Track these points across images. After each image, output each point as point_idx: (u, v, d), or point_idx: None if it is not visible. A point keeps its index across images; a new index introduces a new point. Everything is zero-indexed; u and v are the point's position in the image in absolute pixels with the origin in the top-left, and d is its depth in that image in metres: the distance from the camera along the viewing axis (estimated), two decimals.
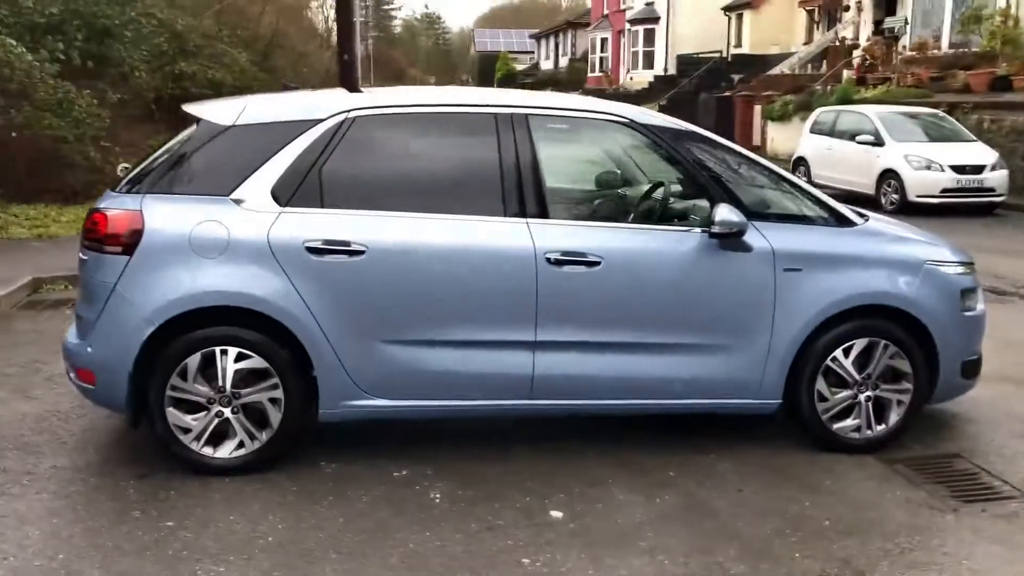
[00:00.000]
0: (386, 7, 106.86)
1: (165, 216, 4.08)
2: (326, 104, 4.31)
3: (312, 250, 4.08)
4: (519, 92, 4.72)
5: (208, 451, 4.14)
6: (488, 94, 4.60)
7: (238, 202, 4.11)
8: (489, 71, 63.45)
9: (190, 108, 4.39)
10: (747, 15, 34.19)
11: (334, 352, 4.13)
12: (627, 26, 40.57)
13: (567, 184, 4.53)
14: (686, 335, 4.37)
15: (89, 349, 4.11)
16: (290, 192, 4.14)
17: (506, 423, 4.78)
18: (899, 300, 4.50)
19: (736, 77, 30.05)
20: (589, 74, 45.34)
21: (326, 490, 4.07)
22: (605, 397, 4.39)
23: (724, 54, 34.41)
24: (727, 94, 27.15)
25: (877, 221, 4.86)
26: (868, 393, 4.56)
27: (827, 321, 4.43)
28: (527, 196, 4.26)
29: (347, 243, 4.11)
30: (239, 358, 4.09)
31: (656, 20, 38.55)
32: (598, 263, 4.24)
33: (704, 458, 4.49)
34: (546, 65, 58.02)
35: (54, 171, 11.92)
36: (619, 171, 4.69)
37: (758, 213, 4.44)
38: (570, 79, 47.15)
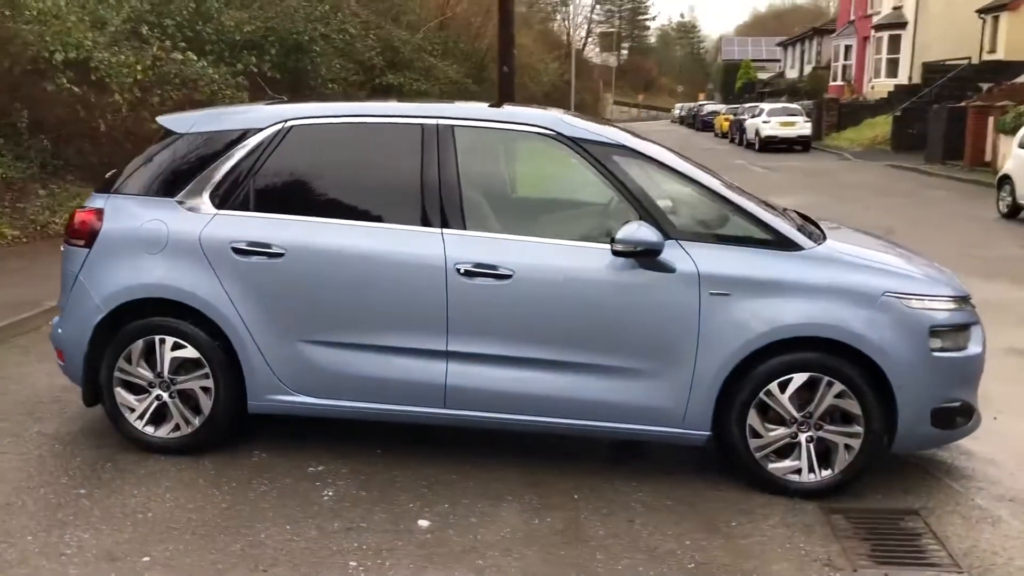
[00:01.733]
0: (642, 17, 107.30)
1: (120, 214, 4.53)
2: (268, 114, 4.58)
3: (237, 250, 4.37)
4: (456, 103, 4.71)
5: (150, 430, 4.54)
6: (420, 106, 4.67)
7: (181, 204, 4.48)
8: (731, 80, 62.02)
9: (161, 119, 4.81)
10: (1004, 17, 31.13)
11: (258, 348, 4.39)
12: (872, 32, 38.18)
13: (489, 196, 4.49)
14: (600, 356, 4.22)
15: (60, 330, 4.64)
16: (226, 196, 4.46)
17: (459, 430, 4.80)
18: (843, 334, 4.08)
19: (985, 86, 27.43)
20: (831, 83, 43.14)
21: (237, 475, 4.34)
22: (518, 413, 4.32)
23: (974, 60, 31.51)
24: (960, 104, 24.83)
25: (839, 244, 4.42)
26: (809, 433, 4.17)
27: (759, 352, 4.11)
28: (446, 206, 4.30)
29: (268, 245, 4.36)
30: (175, 347, 4.46)
31: (903, 26, 36.03)
32: (509, 276, 4.20)
33: (624, 486, 4.30)
34: (791, 73, 55.82)
35: None
36: (543, 184, 4.57)
37: (688, 232, 4.20)
38: (810, 87, 45.12)
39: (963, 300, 4.29)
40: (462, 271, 4.21)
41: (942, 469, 4.57)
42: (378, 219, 4.37)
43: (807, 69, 51.69)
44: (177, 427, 4.52)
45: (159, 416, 4.53)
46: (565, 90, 40.49)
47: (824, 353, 4.11)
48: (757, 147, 31.19)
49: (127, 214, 4.53)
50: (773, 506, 4.13)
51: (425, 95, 22.34)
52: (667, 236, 4.14)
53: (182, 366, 4.47)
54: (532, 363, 4.27)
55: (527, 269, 4.21)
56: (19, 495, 4.10)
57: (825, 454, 4.20)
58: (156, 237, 4.45)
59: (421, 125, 4.40)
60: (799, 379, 4.12)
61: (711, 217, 4.30)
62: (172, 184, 4.54)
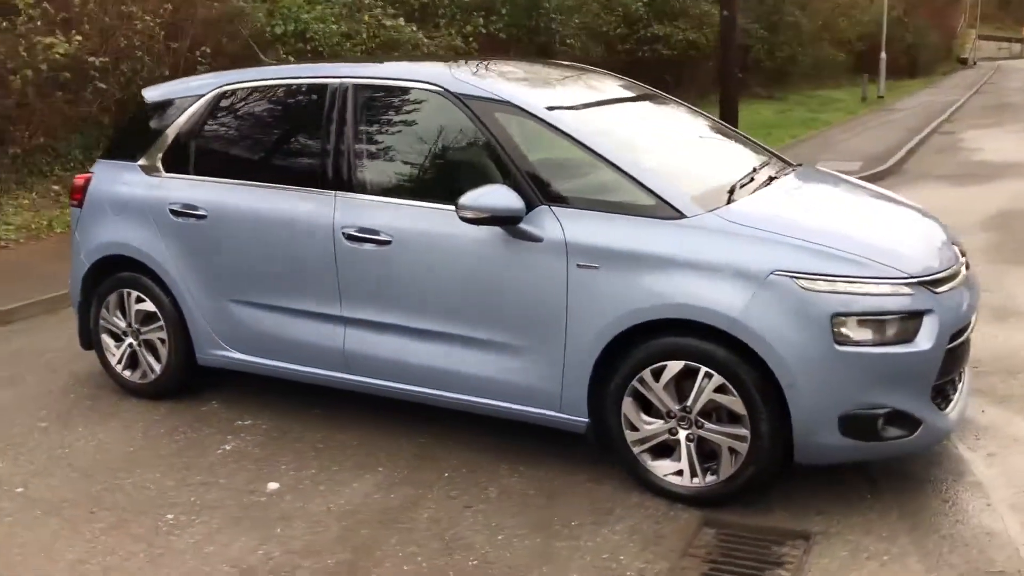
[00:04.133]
0: None
1: (101, 178, 4.98)
2: (209, 81, 4.76)
3: (173, 212, 4.63)
4: (368, 62, 4.56)
5: (127, 374, 4.99)
6: (333, 66, 4.55)
7: (141, 168, 4.83)
8: None
9: (144, 90, 5.16)
10: None
11: (196, 304, 4.65)
12: None
13: (378, 158, 4.25)
14: (475, 328, 3.93)
15: (69, 281, 5.23)
16: (172, 160, 4.74)
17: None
18: (715, 317, 3.44)
19: None
20: None
21: (173, 422, 4.63)
22: (408, 382, 4.17)
23: None
24: None
25: (743, 208, 3.70)
26: (689, 431, 3.59)
27: (630, 333, 3.60)
28: (340, 169, 4.23)
29: (195, 207, 4.57)
30: (138, 300, 4.85)
31: None
32: (389, 242, 4.05)
33: (507, 469, 4.01)
34: None
35: None
36: (431, 144, 4.23)
37: (564, 198, 3.75)
38: None
39: (905, 282, 3.41)
40: (347, 235, 4.13)
41: (898, 489, 3.71)
42: (285, 182, 4.39)
43: None
44: (144, 374, 4.93)
45: (133, 362, 4.96)
46: (895, 30, 36.53)
47: (703, 340, 3.50)
48: None
49: (106, 178, 4.97)
50: (640, 509, 3.63)
51: (694, 45, 21.52)
52: (539, 202, 3.74)
53: (146, 318, 4.85)
54: (415, 332, 4.10)
55: (405, 235, 4.02)
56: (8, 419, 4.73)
57: (712, 456, 3.60)
58: (121, 199, 4.84)
59: (326, 86, 4.34)
60: (674, 367, 3.55)
61: (596, 181, 3.78)
62: (136, 149, 4.89)
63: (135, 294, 4.84)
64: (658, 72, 19.97)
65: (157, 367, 4.87)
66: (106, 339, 5.00)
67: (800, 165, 4.80)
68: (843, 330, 3.34)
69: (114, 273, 4.90)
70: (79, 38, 9.46)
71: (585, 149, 3.78)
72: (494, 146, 3.89)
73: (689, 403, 3.56)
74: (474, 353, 3.96)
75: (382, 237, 4.05)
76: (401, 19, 12.81)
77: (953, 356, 3.55)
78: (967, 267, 3.89)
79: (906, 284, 3.41)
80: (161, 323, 4.79)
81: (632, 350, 3.63)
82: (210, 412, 4.75)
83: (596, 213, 3.69)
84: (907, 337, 3.39)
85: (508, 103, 3.92)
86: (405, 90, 4.23)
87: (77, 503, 3.84)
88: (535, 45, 16.14)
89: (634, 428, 3.69)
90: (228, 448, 4.34)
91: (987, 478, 3.79)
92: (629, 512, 3.62)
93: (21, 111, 9.63)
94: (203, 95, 4.71)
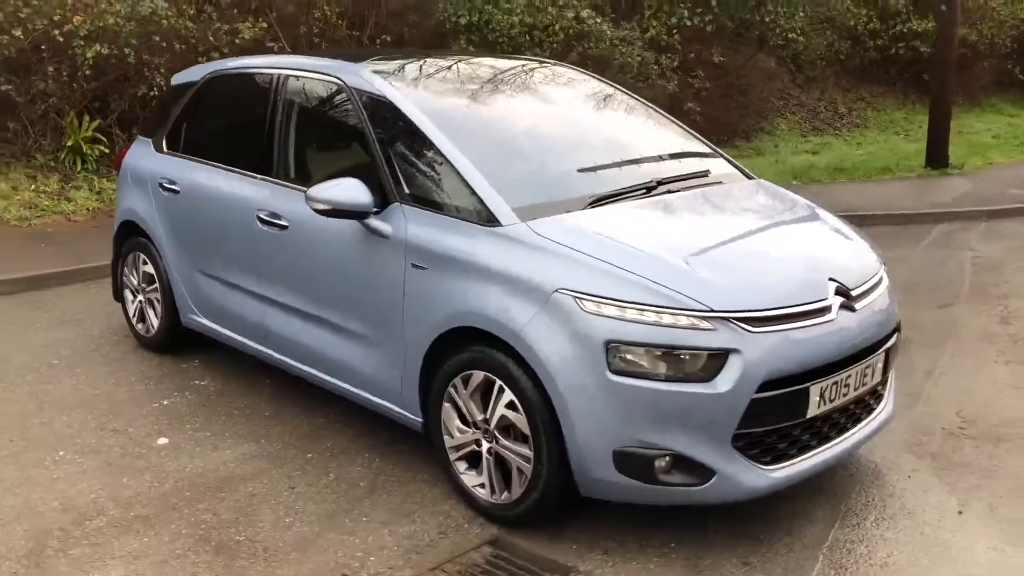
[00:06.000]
0: None
1: (133, 153, 5.61)
2: (209, 67, 5.19)
3: (161, 186, 5.14)
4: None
5: (139, 327, 5.61)
6: (289, 57, 4.74)
7: (153, 145, 5.39)
8: None
9: (174, 76, 5.70)
10: None
11: (176, 271, 5.14)
12: None
13: (295, 145, 4.35)
14: (343, 317, 4.05)
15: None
16: (171, 139, 5.25)
17: None
18: (503, 330, 3.31)
19: None
20: None
21: (151, 375, 5.13)
22: (303, 362, 4.36)
23: None
24: None
25: (571, 218, 3.47)
26: (490, 445, 3.49)
27: (448, 337, 3.56)
28: (267, 156, 4.48)
29: (174, 183, 5.05)
30: (144, 262, 5.43)
31: None
32: (286, 227, 4.27)
33: (369, 457, 4.10)
34: None
35: None
36: (335, 135, 4.27)
37: (414, 198, 3.75)
38: None
39: (704, 316, 3.08)
40: (260, 219, 4.40)
41: (700, 543, 3.36)
42: (236, 165, 4.72)
43: None
44: (148, 329, 5.51)
45: (142, 316, 5.57)
46: None
47: (501, 352, 3.38)
48: None
49: (134, 152, 5.59)
50: (440, 516, 3.60)
51: (965, 43, 19.34)
52: (394, 199, 3.78)
53: (148, 279, 5.42)
54: (305, 315, 4.28)
55: (297, 221, 4.21)
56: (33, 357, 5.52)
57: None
58: (136, 171, 5.44)
59: (271, 75, 4.61)
60: (477, 377, 3.47)
61: (445, 183, 3.72)
62: (155, 129, 5.46)
63: (142, 256, 5.42)
64: (915, 72, 18.27)
65: (155, 324, 5.43)
66: (126, 293, 5.65)
67: (752, 179, 4.41)
68: (620, 359, 3.09)
69: (131, 236, 5.51)
70: (264, 24, 10.46)
71: (437, 151, 3.75)
72: (370, 141, 3.97)
73: (488, 416, 3.46)
74: (342, 340, 4.08)
75: (282, 222, 4.27)
76: (587, 10, 12.79)
77: (776, 405, 3.16)
78: (852, 310, 3.40)
79: (705, 318, 3.08)
80: (156, 285, 5.33)
81: (451, 355, 3.58)
82: (181, 370, 5.21)
83: (435, 215, 3.66)
84: (703, 376, 3.07)
85: (388, 102, 3.97)
86: (316, 83, 4.39)
87: (8, 431, 4.43)
88: (746, 40, 15.41)
89: (451, 434, 3.64)
90: (165, 403, 4.78)
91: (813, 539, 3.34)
92: (428, 517, 3.59)
93: None
94: (197, 81, 5.17)
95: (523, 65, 4.93)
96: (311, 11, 10.84)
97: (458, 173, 3.64)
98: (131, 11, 9.63)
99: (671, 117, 4.80)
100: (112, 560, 3.31)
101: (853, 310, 3.41)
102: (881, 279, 3.73)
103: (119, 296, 5.78)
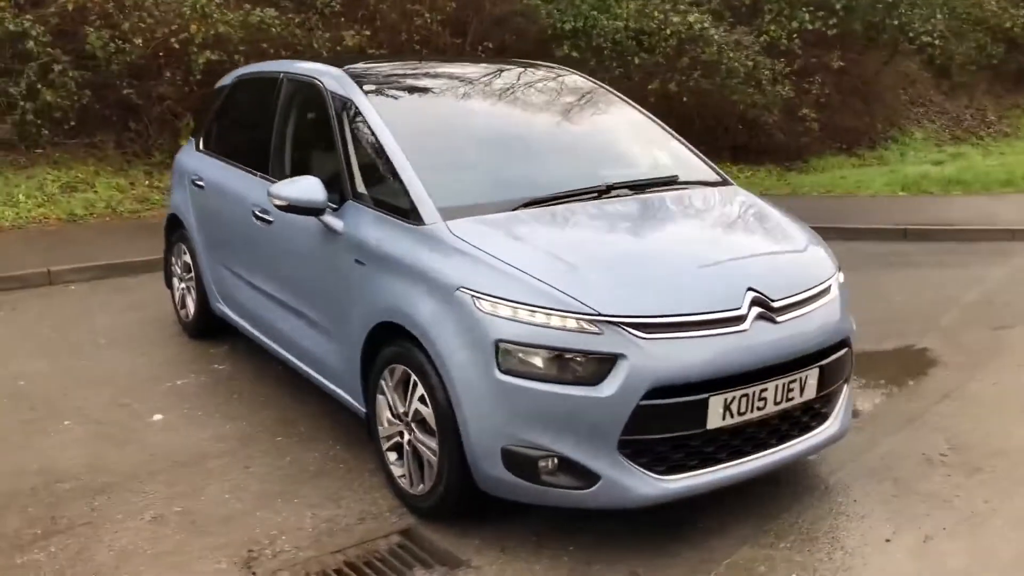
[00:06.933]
0: None
1: (182, 150, 6.07)
2: (239, 71, 5.53)
3: (193, 182, 5.53)
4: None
5: (182, 313, 6.03)
6: (295, 63, 4.96)
7: (195, 143, 5.80)
8: None
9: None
10: None
11: (204, 260, 5.52)
12: None
13: (288, 144, 4.53)
14: (310, 308, 4.26)
15: None
16: (206, 138, 5.64)
17: None
18: (414, 325, 3.41)
19: None
20: None
21: (180, 357, 5.55)
22: (290, 352, 4.57)
23: None
24: None
25: (466, 224, 3.51)
26: (410, 437, 3.60)
27: (381, 331, 3.69)
28: (265, 153, 4.75)
29: (201, 179, 5.42)
30: (184, 252, 5.85)
31: None
32: (271, 222, 4.52)
33: (331, 444, 4.29)
34: None
35: (732, 133, 13.24)
36: (317, 133, 4.43)
37: (364, 197, 3.91)
38: None
39: (591, 319, 3.08)
40: (254, 214, 4.67)
41: (605, 562, 3.33)
42: (241, 161, 5.03)
43: None
44: (187, 315, 5.93)
45: (184, 302, 5.98)
46: None
47: (416, 348, 3.48)
48: None
49: (184, 151, 6.04)
50: (365, 504, 3.73)
51: None
52: (350, 197, 3.96)
53: (186, 267, 5.83)
54: (287, 307, 4.52)
55: (279, 217, 4.43)
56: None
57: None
58: (180, 168, 5.87)
59: (274, 78, 4.89)
60: (398, 371, 3.58)
61: (387, 182, 3.85)
62: (199, 129, 5.87)
63: (183, 247, 5.84)
64: None
65: (192, 310, 5.84)
66: (174, 281, 6.09)
67: (726, 183, 4.30)
68: (510, 359, 3.13)
69: (177, 228, 5.95)
70: (367, 32, 10.93)
71: (384, 151, 3.88)
72: (336, 141, 4.15)
73: (406, 409, 3.57)
74: (312, 331, 4.29)
75: (269, 217, 4.52)
76: (695, 15, 12.56)
77: (668, 414, 3.11)
78: (773, 321, 3.30)
79: (592, 322, 3.08)
80: (192, 275, 5.73)
81: (382, 349, 3.71)
82: (207, 355, 5.58)
83: (376, 212, 3.81)
84: (588, 380, 3.07)
85: (352, 103, 4.14)
86: (304, 85, 4.61)
87: (32, 399, 4.89)
88: (876, 44, 14.62)
89: (383, 424, 3.77)
90: (179, 383, 5.14)
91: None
92: (355, 503, 3.74)
93: None
94: (228, 84, 5.52)
95: (522, 70, 4.99)
96: (412, 19, 11.21)
97: (397, 173, 3.76)
98: (243, 20, 10.30)
99: (662, 124, 4.73)
100: (60, 520, 3.63)
101: (774, 322, 3.30)
102: (825, 291, 3.57)
103: (169, 283, 6.24)
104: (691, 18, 12.55)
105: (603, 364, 3.06)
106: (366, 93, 4.17)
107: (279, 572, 3.26)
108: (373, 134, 3.96)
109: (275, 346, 4.75)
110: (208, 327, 5.77)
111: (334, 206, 3.98)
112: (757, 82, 12.82)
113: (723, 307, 3.23)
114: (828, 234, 8.45)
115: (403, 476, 3.67)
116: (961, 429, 4.32)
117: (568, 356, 3.08)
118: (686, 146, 4.60)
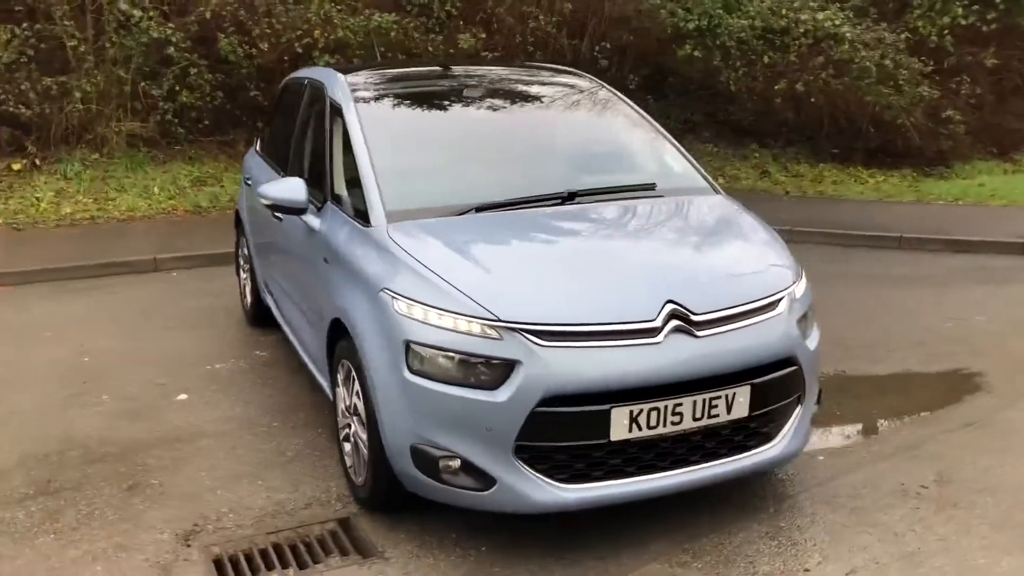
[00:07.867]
0: None
1: (249, 151, 6.48)
2: (293, 74, 5.85)
3: (246, 180, 5.92)
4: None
5: (244, 302, 6.44)
6: (318, 69, 5.18)
7: (255, 145, 6.19)
8: None
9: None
10: None
11: (253, 254, 5.90)
12: None
13: (303, 145, 4.74)
14: (303, 300, 4.51)
15: None
16: (262, 140, 6.02)
17: None
18: (348, 324, 3.56)
19: None
20: None
21: (230, 343, 5.94)
22: (300, 346, 4.84)
23: None
24: None
25: (403, 227, 3.62)
26: (355, 428, 3.75)
27: (335, 327, 3.87)
28: (288, 153, 5.04)
29: (249, 177, 5.80)
30: (244, 245, 6.26)
31: None
32: (282, 219, 4.80)
33: (315, 430, 4.51)
34: None
35: (866, 136, 12.55)
36: (317, 138, 4.58)
37: (339, 199, 4.10)
38: None
39: (492, 325, 3.12)
40: (273, 213, 4.96)
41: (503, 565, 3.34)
42: (274, 161, 5.35)
43: None
44: (247, 304, 6.34)
45: (245, 292, 6.40)
46: None
47: (353, 344, 3.62)
48: None
49: (249, 151, 6.45)
50: (315, 491, 3.91)
51: None
52: (329, 199, 4.16)
53: (247, 259, 6.24)
54: (291, 297, 4.80)
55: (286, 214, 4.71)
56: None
57: None
58: (244, 167, 6.29)
59: (304, 83, 5.16)
60: (345, 366, 3.74)
61: (354, 184, 4.00)
62: (261, 131, 6.27)
63: (243, 239, 6.26)
64: None
65: (249, 300, 6.25)
66: (240, 272, 6.53)
67: (714, 193, 4.19)
68: (417, 359, 3.22)
69: (239, 223, 6.38)
70: (483, 35, 11.17)
71: (354, 155, 4.04)
72: (326, 144, 4.37)
73: (349, 402, 3.72)
74: (306, 323, 4.54)
75: (279, 215, 4.80)
76: (826, 12, 11.96)
77: (566, 423, 3.10)
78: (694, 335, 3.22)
79: (494, 327, 3.12)
80: (246, 265, 6.14)
81: (336, 345, 3.88)
82: (255, 342, 5.94)
83: (342, 213, 3.98)
84: (488, 384, 3.12)
85: (340, 108, 4.33)
86: (317, 90, 4.82)
87: (85, 375, 5.40)
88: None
89: (340, 416, 3.94)
90: (217, 367, 5.52)
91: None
92: (309, 490, 3.93)
93: None
94: (280, 89, 5.87)
95: (526, 75, 5.03)
96: (527, 21, 11.34)
97: (360, 176, 3.92)
98: (364, 25, 10.79)
99: (663, 130, 4.62)
100: (54, 483, 4.02)
101: (694, 336, 3.21)
102: (768, 307, 3.42)
103: (237, 273, 6.68)
104: (821, 16, 12.00)
105: (502, 369, 3.10)
106: (356, 100, 4.35)
107: (211, 547, 3.49)
108: (349, 139, 4.13)
109: (291, 336, 5.03)
110: (264, 315, 6.14)
111: (317, 206, 4.19)
112: (894, 81, 12.10)
113: (634, 318, 3.17)
114: (931, 246, 8.01)
115: (352, 467, 3.82)
116: (961, 461, 4.00)
117: (473, 360, 3.13)
118: (683, 154, 4.49)
